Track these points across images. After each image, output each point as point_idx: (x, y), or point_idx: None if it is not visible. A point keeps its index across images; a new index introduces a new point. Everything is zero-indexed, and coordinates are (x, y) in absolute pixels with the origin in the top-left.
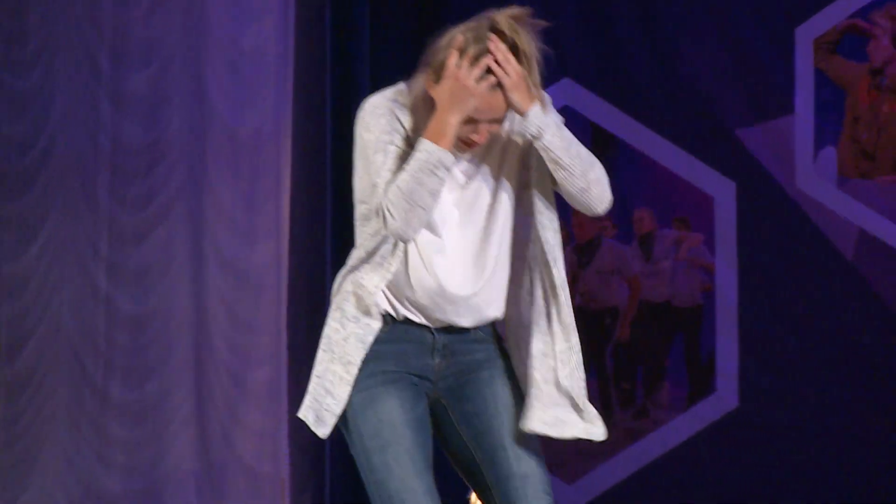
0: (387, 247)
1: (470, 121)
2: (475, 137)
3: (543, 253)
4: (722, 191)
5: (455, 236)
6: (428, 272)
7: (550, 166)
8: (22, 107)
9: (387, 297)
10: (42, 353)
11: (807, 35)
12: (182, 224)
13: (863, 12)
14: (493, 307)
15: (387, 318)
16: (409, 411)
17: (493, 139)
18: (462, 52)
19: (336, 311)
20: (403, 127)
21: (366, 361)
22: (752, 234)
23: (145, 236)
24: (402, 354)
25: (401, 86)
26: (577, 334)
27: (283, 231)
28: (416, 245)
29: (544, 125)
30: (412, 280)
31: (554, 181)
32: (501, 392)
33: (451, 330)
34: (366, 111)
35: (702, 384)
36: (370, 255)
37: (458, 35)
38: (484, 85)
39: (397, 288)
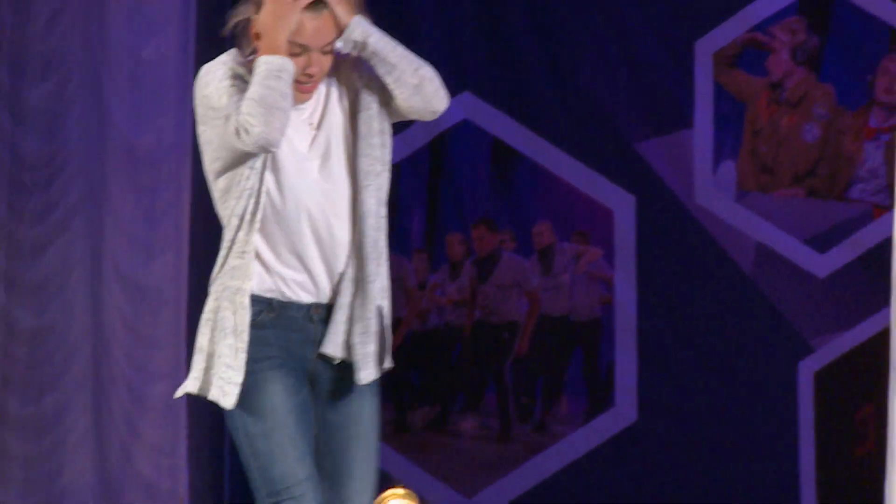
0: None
1: (302, 51)
2: (311, 70)
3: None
4: (621, 204)
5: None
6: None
7: (381, 72)
8: None
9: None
10: None
11: (706, 48)
12: (81, 237)
13: (762, 26)
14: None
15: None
16: (293, 396)
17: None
18: None
19: (216, 290)
20: (241, 77)
21: (250, 345)
22: (652, 248)
23: (43, 249)
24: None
25: (232, 51)
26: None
27: (184, 244)
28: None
29: (369, 30)
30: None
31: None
32: (367, 409)
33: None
34: (201, 75)
35: (601, 398)
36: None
37: None
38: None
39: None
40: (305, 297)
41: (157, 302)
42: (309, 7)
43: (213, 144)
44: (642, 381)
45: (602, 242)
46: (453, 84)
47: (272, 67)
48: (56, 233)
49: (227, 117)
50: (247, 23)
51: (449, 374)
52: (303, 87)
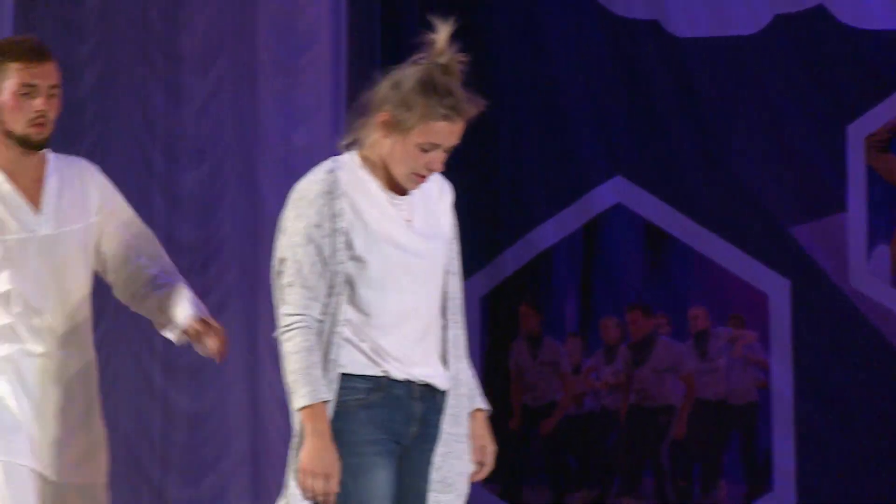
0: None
1: (431, 148)
2: (434, 166)
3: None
4: (776, 288)
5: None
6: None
7: None
8: None
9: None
10: None
11: (858, 133)
12: (236, 321)
13: None
14: None
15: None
16: (393, 484)
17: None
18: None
19: None
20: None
21: (360, 425)
22: (807, 332)
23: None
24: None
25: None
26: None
27: None
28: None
29: None
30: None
31: None
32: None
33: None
34: (294, 196)
35: (759, 482)
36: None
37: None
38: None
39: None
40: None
41: None
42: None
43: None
44: (801, 465)
45: (757, 326)
46: (605, 168)
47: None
48: (212, 316)
49: (290, 284)
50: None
51: (606, 457)
52: (420, 179)
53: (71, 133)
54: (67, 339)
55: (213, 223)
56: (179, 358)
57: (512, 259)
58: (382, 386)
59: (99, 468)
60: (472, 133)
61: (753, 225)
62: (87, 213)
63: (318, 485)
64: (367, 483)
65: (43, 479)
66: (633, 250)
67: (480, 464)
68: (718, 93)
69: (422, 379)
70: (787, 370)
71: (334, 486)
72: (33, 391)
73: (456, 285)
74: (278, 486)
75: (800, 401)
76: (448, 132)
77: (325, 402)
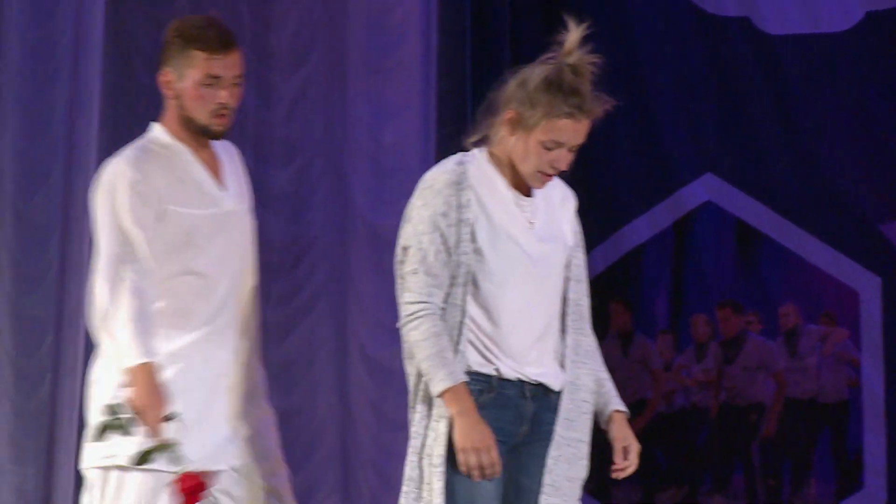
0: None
1: (555, 147)
2: (559, 165)
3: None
4: (867, 286)
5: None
6: None
7: None
8: None
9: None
10: None
11: None
12: (326, 319)
13: None
14: None
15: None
16: (500, 485)
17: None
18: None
19: None
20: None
21: None
22: None
23: (289, 331)
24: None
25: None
26: None
27: None
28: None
29: None
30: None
31: None
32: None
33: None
34: (420, 187)
35: (850, 480)
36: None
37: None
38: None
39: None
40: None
41: (402, 384)
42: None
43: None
44: (891, 463)
45: (848, 324)
46: (696, 165)
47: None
48: (302, 314)
49: (414, 272)
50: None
51: (696, 455)
52: (546, 178)
53: None
54: (241, 321)
55: (303, 222)
56: (269, 354)
57: (602, 256)
58: (493, 386)
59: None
60: None
61: (844, 222)
62: (248, 195)
63: (482, 458)
64: (475, 484)
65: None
66: (723, 248)
67: (624, 464)
68: (809, 89)
69: (535, 378)
70: (878, 368)
71: (495, 456)
72: (207, 376)
73: (580, 292)
74: (367, 486)
75: (891, 399)
76: (572, 130)
77: (465, 382)
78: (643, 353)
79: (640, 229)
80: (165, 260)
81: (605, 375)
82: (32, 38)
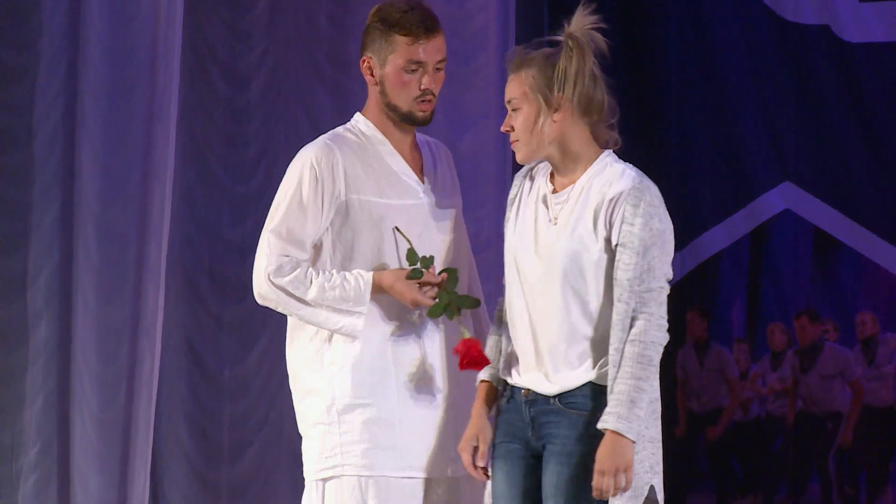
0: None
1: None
2: None
3: None
4: None
5: None
6: None
7: None
8: (243, 211)
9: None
10: (264, 455)
11: None
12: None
13: None
14: None
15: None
16: (513, 483)
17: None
18: None
19: None
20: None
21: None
22: None
23: None
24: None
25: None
26: None
27: None
28: None
29: None
30: None
31: None
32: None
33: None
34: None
35: None
36: None
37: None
38: None
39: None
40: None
41: None
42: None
43: None
44: None
45: None
46: (774, 174)
47: None
48: None
49: None
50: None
51: (772, 463)
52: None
53: (238, 139)
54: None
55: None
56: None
57: (679, 265)
58: (509, 392)
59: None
60: (641, 137)
61: None
62: (455, 193)
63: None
64: (489, 484)
65: (418, 483)
66: (801, 256)
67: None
68: (888, 97)
69: (525, 385)
70: None
71: (467, 459)
72: (407, 376)
73: (622, 293)
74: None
75: None
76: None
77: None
78: (719, 361)
79: (718, 238)
80: (348, 248)
81: (618, 387)
82: (111, 48)
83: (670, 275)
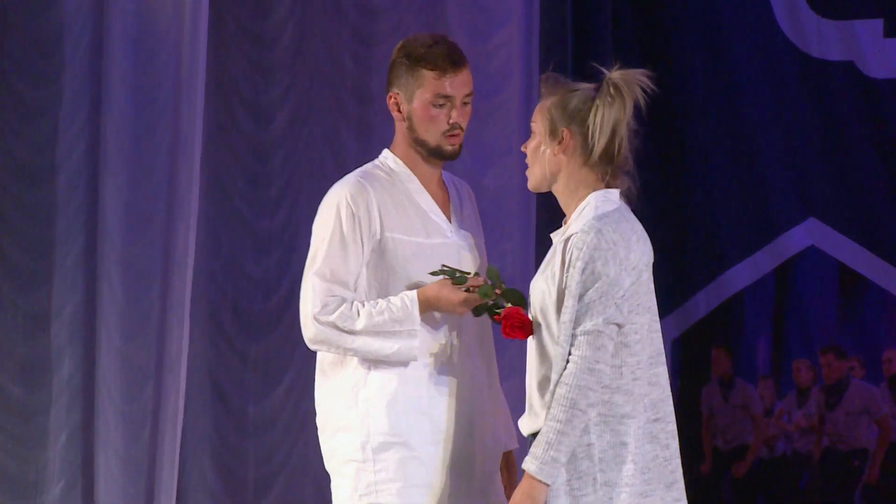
0: None
1: None
2: None
3: None
4: None
5: None
6: None
7: None
8: (267, 248)
9: None
10: (289, 492)
11: None
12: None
13: None
14: None
15: None
16: None
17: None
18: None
19: None
20: None
21: None
22: None
23: None
24: None
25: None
26: None
27: None
28: None
29: None
30: None
31: None
32: None
33: None
34: None
35: None
36: None
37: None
38: None
39: None
40: None
41: None
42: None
43: None
44: None
45: None
46: (799, 210)
47: None
48: None
49: None
50: None
51: (797, 500)
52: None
53: (261, 176)
54: (466, 356)
55: None
56: None
57: (704, 301)
58: None
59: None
60: (665, 174)
61: None
62: (479, 233)
63: None
64: None
65: None
66: (826, 292)
67: None
68: None
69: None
70: None
71: None
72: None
73: None
74: None
75: None
76: None
77: None
78: (744, 398)
79: (742, 275)
80: (383, 285)
81: (542, 429)
82: (135, 84)
83: (616, 318)
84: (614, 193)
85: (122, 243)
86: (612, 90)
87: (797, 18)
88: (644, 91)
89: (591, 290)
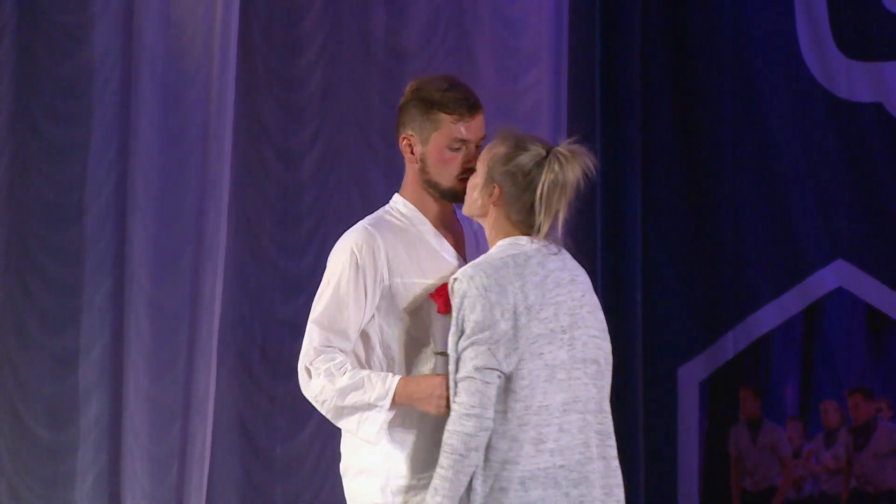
0: None
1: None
2: None
3: None
4: None
5: None
6: None
7: None
8: (295, 289)
9: None
10: None
11: None
12: None
13: None
14: None
15: None
16: None
17: None
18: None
19: None
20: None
21: None
22: None
23: None
24: None
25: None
26: None
27: None
28: None
29: None
30: None
31: None
32: None
33: None
34: None
35: None
36: None
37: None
38: None
39: None
40: None
41: None
42: None
43: None
44: None
45: None
46: (827, 251)
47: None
48: None
49: None
50: None
51: None
52: None
53: (290, 217)
54: None
55: None
56: None
57: (732, 343)
58: None
59: None
60: (694, 215)
61: None
62: None
63: None
64: None
65: None
66: (854, 334)
67: None
68: None
69: None
70: None
71: None
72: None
73: None
74: None
75: None
76: None
77: None
78: (772, 439)
79: (770, 316)
80: (395, 329)
81: None
82: (163, 125)
83: (490, 364)
84: (524, 239)
85: (149, 284)
86: (556, 163)
87: (825, 60)
88: (585, 172)
89: (462, 338)
